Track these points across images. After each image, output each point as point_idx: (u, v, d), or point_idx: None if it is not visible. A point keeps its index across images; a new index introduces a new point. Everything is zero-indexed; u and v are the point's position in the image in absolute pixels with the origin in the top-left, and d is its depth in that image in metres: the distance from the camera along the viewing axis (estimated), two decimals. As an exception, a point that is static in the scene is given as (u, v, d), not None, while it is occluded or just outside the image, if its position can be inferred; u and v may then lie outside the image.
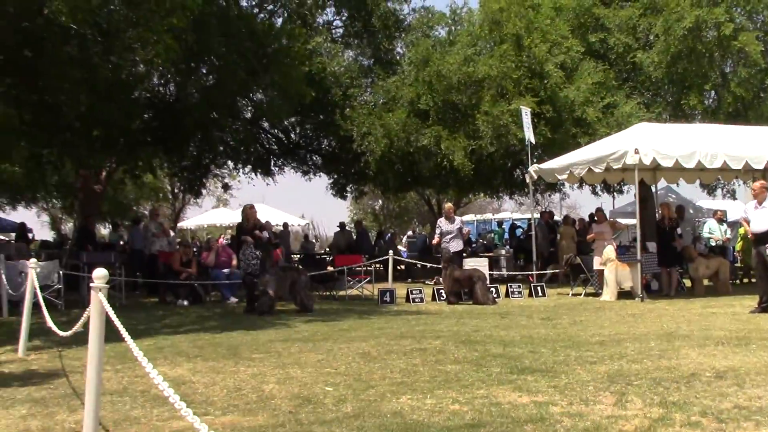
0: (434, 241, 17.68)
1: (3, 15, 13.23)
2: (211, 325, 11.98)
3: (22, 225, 25.35)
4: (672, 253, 16.98)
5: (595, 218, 19.12)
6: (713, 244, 20.50)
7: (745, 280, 20.50)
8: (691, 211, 25.21)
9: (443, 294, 16.30)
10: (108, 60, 15.93)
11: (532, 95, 20.81)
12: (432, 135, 21.85)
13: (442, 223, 17.31)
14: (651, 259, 17.45)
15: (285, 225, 27.36)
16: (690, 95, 21.34)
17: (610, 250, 16.41)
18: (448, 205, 18.30)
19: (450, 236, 16.94)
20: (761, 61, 20.73)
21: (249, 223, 14.98)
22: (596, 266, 16.93)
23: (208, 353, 8.80)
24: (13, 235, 32.14)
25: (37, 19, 13.29)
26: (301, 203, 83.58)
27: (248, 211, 15.33)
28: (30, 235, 26.63)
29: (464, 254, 18.17)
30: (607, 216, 20.72)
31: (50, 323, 7.71)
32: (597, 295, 16.70)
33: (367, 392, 6.44)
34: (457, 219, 17.61)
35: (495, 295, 16.33)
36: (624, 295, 16.20)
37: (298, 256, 26.51)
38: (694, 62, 20.90)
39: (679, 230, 17.56)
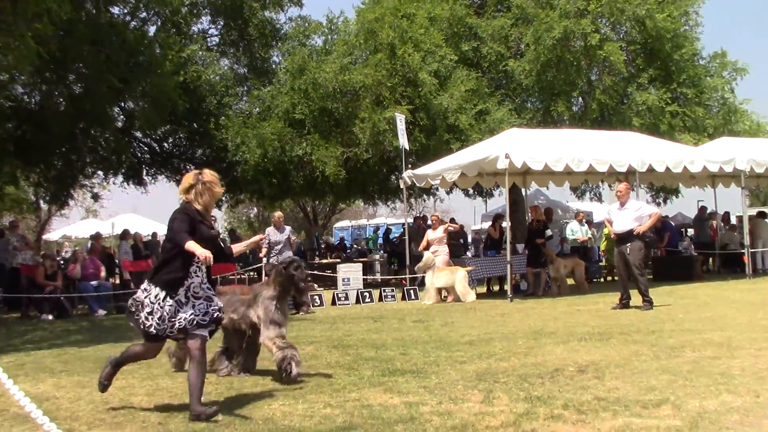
0: (261, 254, 16.23)
1: None
2: (78, 339, 11.58)
3: None
4: (539, 254, 17.44)
5: (431, 224, 18.58)
6: (578, 244, 21.20)
7: (609, 278, 21.36)
8: (560, 212, 26.14)
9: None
10: (-35, 66, 15.27)
11: (407, 103, 21.11)
12: (306, 146, 21.86)
13: (271, 233, 15.73)
14: (521, 260, 17.94)
15: (154, 235, 26.59)
16: (558, 102, 22.13)
17: (429, 257, 16.53)
18: (278, 214, 16.68)
19: (279, 246, 15.69)
20: (624, 69, 21.71)
21: None
22: (419, 273, 17.20)
23: (74, 368, 8.51)
24: None
25: None
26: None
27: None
28: None
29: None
30: (480, 220, 21.10)
31: None
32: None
33: (238, 400, 6.39)
34: (287, 229, 16.27)
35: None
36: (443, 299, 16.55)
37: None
38: (563, 71, 21.77)
39: (549, 232, 18.06)
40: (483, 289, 19.35)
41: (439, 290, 16.48)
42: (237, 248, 7.47)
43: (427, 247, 17.23)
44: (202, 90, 24.35)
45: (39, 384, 7.53)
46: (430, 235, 17.56)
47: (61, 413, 6.09)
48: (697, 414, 5.28)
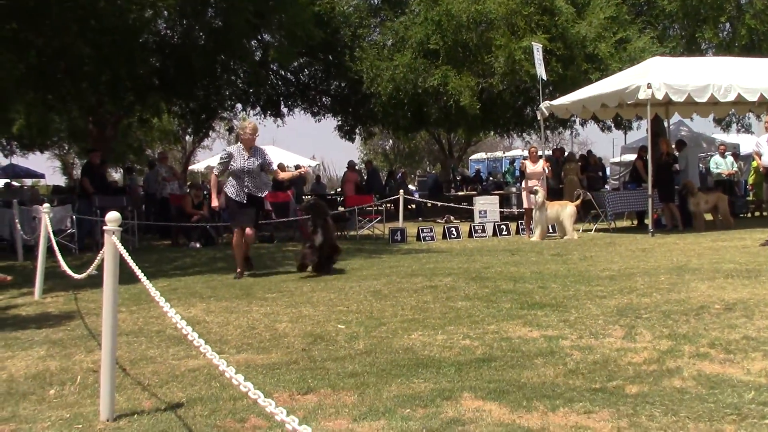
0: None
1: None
2: (224, 266, 12.04)
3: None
4: (668, 188, 16.80)
5: (528, 158, 17.70)
6: (723, 177, 20.33)
7: (757, 214, 20.44)
8: (704, 145, 25.07)
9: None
10: (114, 4, 15.82)
11: (543, 32, 20.60)
12: (440, 76, 21.68)
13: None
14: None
15: (297, 167, 27.31)
16: (704, 28, 21.07)
17: (540, 193, 15.86)
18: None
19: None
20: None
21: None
22: (525, 205, 16.69)
23: (222, 294, 8.90)
24: (27, 180, 32.28)
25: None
26: (311, 144, 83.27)
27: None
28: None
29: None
30: (620, 152, 20.54)
31: (64, 266, 7.80)
32: (606, 231, 16.71)
33: (378, 329, 6.49)
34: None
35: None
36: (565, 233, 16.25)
37: (310, 197, 26.57)
38: (710, -6, 20.65)
39: (677, 165, 17.41)
40: (625, 223, 18.94)
41: (547, 226, 16.13)
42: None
43: (526, 182, 16.81)
44: (337, 21, 24.52)
45: (190, 308, 7.91)
46: (528, 168, 16.92)
47: (211, 336, 6.39)
48: None
